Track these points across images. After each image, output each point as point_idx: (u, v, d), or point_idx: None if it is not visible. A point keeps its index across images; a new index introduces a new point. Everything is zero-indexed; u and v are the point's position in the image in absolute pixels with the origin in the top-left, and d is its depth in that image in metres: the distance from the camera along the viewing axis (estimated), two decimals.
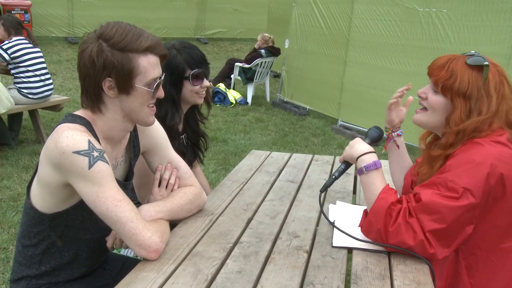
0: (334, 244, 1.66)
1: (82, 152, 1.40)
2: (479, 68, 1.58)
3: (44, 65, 5.20)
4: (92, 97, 1.52)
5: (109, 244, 1.62)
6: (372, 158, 1.71)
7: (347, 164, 1.83)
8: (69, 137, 1.41)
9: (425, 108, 1.72)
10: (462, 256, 1.61)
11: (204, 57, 2.21)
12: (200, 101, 2.24)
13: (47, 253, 1.62)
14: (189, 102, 2.23)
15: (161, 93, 1.59)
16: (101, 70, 1.46)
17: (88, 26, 11.85)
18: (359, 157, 1.72)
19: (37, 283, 1.64)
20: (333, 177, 1.83)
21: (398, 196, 1.62)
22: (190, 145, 2.41)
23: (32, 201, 1.57)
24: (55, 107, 5.47)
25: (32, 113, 5.38)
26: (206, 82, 2.20)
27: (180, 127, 2.31)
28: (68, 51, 10.91)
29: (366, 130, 1.93)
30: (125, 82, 1.49)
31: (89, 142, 1.43)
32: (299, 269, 1.49)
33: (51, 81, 5.30)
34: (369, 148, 1.75)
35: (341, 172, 1.84)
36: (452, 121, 1.61)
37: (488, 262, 1.59)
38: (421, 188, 1.57)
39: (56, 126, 1.48)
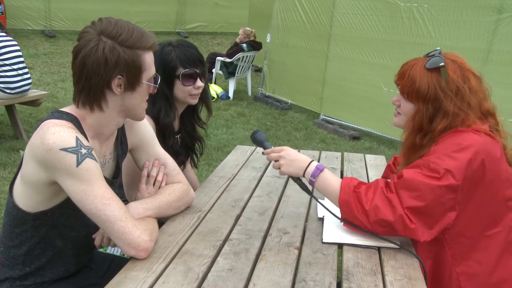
0: (324, 240, 1.66)
1: (69, 149, 1.36)
2: (438, 69, 1.61)
3: (22, 58, 5.06)
4: (96, 95, 1.48)
5: (97, 242, 1.59)
6: (312, 166, 1.73)
7: (296, 179, 1.79)
8: (56, 134, 1.37)
9: (399, 112, 1.77)
10: (447, 245, 1.63)
11: (199, 58, 2.12)
12: (193, 102, 2.17)
13: (31, 254, 1.58)
14: (182, 102, 2.17)
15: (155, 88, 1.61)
16: (113, 68, 1.44)
17: (66, 19, 11.65)
18: (304, 173, 1.74)
19: (21, 284, 1.60)
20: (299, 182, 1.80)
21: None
22: (184, 147, 2.34)
23: (15, 200, 1.53)
24: (34, 102, 5.34)
25: (10, 108, 5.25)
26: (199, 83, 2.12)
27: (176, 126, 2.25)
28: (45, 45, 10.69)
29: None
30: (134, 79, 1.49)
31: (77, 139, 1.39)
32: (290, 266, 1.48)
33: (29, 75, 5.17)
34: (304, 160, 1.75)
35: (301, 186, 1.79)
36: (415, 124, 1.66)
37: (473, 250, 1.62)
38: (405, 169, 1.61)
39: (41, 123, 1.44)
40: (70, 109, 1.52)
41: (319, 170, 1.71)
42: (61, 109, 1.52)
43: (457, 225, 1.58)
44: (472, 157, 1.52)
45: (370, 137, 6.37)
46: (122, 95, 1.51)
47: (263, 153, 1.85)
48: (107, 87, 1.47)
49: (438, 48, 1.69)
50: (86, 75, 1.45)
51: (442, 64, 1.60)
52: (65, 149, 1.36)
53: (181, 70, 2.08)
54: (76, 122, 1.47)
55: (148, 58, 1.52)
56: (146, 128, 1.79)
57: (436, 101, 1.61)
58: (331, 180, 1.70)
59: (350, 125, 6.53)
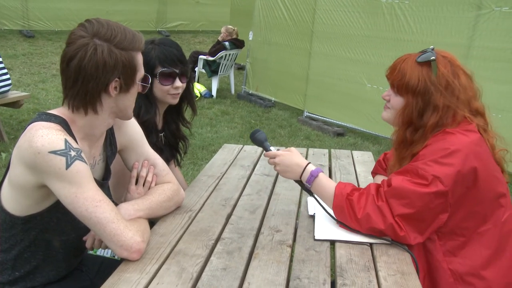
0: (316, 237, 1.66)
1: (58, 152, 1.34)
2: (428, 63, 1.63)
3: (0, 59, 4.97)
4: (91, 99, 1.45)
5: (88, 244, 1.57)
6: (308, 171, 1.74)
7: (297, 180, 1.80)
8: (44, 136, 1.34)
9: (388, 107, 1.78)
10: (439, 242, 1.65)
11: (179, 57, 2.10)
12: (173, 101, 2.14)
13: (20, 258, 1.55)
14: (161, 101, 2.15)
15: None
16: (112, 71, 1.42)
17: (45, 19, 11.48)
18: (301, 177, 1.75)
19: None
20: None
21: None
22: (168, 146, 2.33)
23: (3, 204, 1.50)
24: (14, 104, 5.25)
25: None
26: (178, 83, 2.09)
27: (160, 125, 2.23)
28: (23, 45, 10.53)
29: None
30: (130, 80, 1.49)
31: (66, 141, 1.37)
32: (284, 264, 1.49)
33: (8, 76, 5.08)
34: (300, 163, 1.75)
35: (303, 187, 1.80)
36: (404, 118, 1.68)
37: (465, 247, 1.64)
38: (394, 175, 1.63)
39: (28, 125, 1.42)
40: (58, 111, 1.49)
41: (313, 176, 1.72)
42: (48, 111, 1.49)
43: (449, 224, 1.60)
44: (462, 162, 1.53)
45: (354, 133, 6.41)
46: (117, 97, 1.50)
47: (264, 154, 1.85)
48: (104, 91, 1.46)
49: (432, 46, 1.70)
50: (83, 80, 1.42)
51: (433, 58, 1.62)
52: (54, 152, 1.34)
53: (159, 69, 2.06)
54: (64, 124, 1.45)
55: (140, 59, 1.53)
56: (135, 128, 1.77)
57: (425, 94, 1.62)
58: (326, 186, 1.71)
59: (334, 121, 6.56)
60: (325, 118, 6.72)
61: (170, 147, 2.34)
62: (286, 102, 7.53)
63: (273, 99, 7.80)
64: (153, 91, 2.09)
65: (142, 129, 2.01)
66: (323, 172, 1.74)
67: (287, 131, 6.53)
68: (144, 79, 1.58)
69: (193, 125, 6.22)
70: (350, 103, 6.30)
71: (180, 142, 2.40)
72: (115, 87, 1.47)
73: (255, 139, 1.86)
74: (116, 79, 1.46)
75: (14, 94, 5.25)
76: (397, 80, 1.68)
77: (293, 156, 1.77)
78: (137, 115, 2.03)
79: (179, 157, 2.45)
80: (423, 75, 1.63)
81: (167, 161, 2.28)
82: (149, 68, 2.04)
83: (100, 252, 1.93)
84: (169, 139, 2.32)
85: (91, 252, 1.89)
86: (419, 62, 1.64)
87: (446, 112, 1.62)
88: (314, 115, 6.90)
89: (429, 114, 1.64)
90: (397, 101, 1.71)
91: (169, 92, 2.10)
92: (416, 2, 5.41)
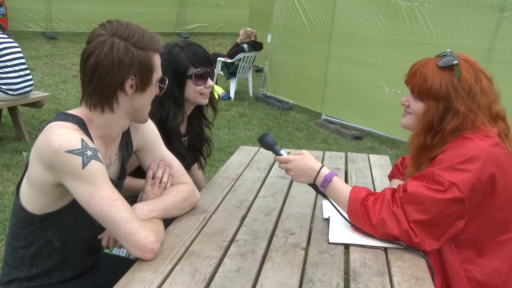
0: (330, 241, 1.65)
1: (75, 151, 1.36)
2: (451, 68, 1.60)
3: (23, 60, 5.06)
4: (108, 96, 1.48)
5: (104, 243, 1.59)
6: (322, 175, 1.72)
7: (311, 184, 1.79)
8: (61, 136, 1.37)
9: (409, 112, 1.75)
10: (456, 250, 1.62)
11: (208, 56, 2.13)
12: (205, 101, 2.16)
13: (38, 255, 1.58)
14: (193, 102, 2.16)
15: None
16: (128, 68, 1.45)
17: (67, 21, 11.67)
18: (315, 181, 1.74)
19: (28, 285, 1.60)
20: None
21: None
22: (192, 149, 2.33)
23: (22, 202, 1.53)
24: (36, 104, 5.35)
25: (12, 110, 5.25)
26: (210, 82, 2.12)
27: (183, 129, 2.24)
28: (46, 46, 10.70)
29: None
30: (146, 79, 1.51)
31: (82, 141, 1.39)
32: (297, 266, 1.48)
33: (30, 76, 5.17)
34: (314, 166, 1.73)
35: (317, 191, 1.79)
36: (425, 123, 1.65)
37: (483, 256, 1.61)
38: (409, 180, 1.61)
39: (46, 125, 1.44)
40: (76, 111, 1.52)
41: (327, 181, 1.71)
42: (66, 111, 1.51)
43: (466, 231, 1.58)
44: (480, 169, 1.50)
45: (372, 136, 6.36)
46: (133, 96, 1.52)
47: (275, 158, 1.84)
48: (120, 88, 1.48)
49: (449, 50, 1.68)
50: (100, 76, 1.45)
51: (456, 62, 1.59)
52: (70, 151, 1.36)
53: (192, 70, 2.07)
54: (81, 124, 1.47)
55: (157, 60, 1.56)
56: (151, 129, 1.79)
57: (447, 99, 1.60)
58: (340, 190, 1.70)
59: (352, 125, 6.53)
60: (343, 121, 6.69)
61: (193, 150, 2.35)
62: (304, 105, 7.52)
63: (291, 101, 7.79)
64: (183, 93, 2.11)
65: (166, 135, 2.03)
66: (337, 175, 1.73)
67: (304, 134, 6.51)
68: (161, 81, 1.60)
69: (211, 127, 6.17)
70: (368, 106, 6.25)
71: (204, 145, 2.40)
72: (131, 85, 1.49)
73: (264, 143, 1.85)
74: (132, 77, 1.48)
75: (35, 95, 5.34)
76: (419, 85, 1.65)
77: (306, 160, 1.75)
78: (164, 121, 2.05)
79: (202, 160, 2.45)
80: (445, 80, 1.59)
81: (189, 166, 2.29)
82: (181, 70, 2.06)
83: (116, 251, 1.95)
84: (194, 141, 2.33)
85: (107, 251, 1.91)
86: (441, 67, 1.61)
87: (467, 117, 1.59)
88: (332, 118, 6.87)
89: (449, 119, 1.61)
90: (418, 106, 1.68)
91: (201, 92, 2.12)
92: (436, 5, 5.35)
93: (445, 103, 1.60)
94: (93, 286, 1.72)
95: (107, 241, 1.60)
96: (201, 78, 2.09)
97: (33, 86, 5.23)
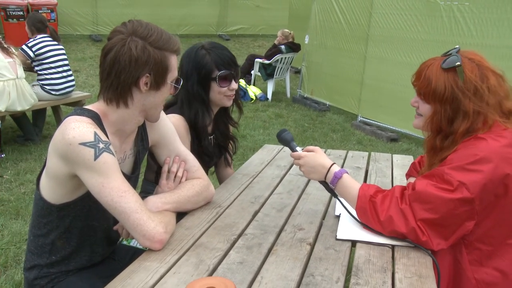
0: (338, 237, 1.66)
1: (88, 144, 1.44)
2: (454, 69, 1.57)
3: (66, 62, 5.30)
4: (122, 92, 1.55)
5: (120, 233, 1.66)
6: (331, 173, 1.72)
7: (322, 182, 1.80)
8: (75, 129, 1.44)
9: (420, 114, 1.73)
10: (466, 250, 1.59)
11: (233, 59, 2.17)
12: (229, 103, 2.21)
13: (56, 243, 1.67)
14: (217, 104, 2.21)
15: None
16: (143, 66, 1.52)
17: (112, 24, 12.00)
18: (325, 178, 1.74)
19: (48, 271, 1.69)
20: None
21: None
22: (217, 147, 2.39)
23: (41, 192, 1.62)
24: (77, 103, 5.57)
25: (55, 109, 5.50)
26: (234, 85, 2.16)
27: (210, 128, 2.30)
28: (91, 49, 11.09)
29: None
30: (161, 78, 1.58)
31: (95, 134, 1.46)
32: (300, 260, 1.50)
33: (72, 77, 5.41)
34: (325, 163, 1.74)
35: (327, 188, 1.80)
36: (433, 126, 1.63)
37: (493, 258, 1.57)
38: (419, 179, 1.61)
39: (64, 119, 1.53)
40: (93, 106, 1.60)
41: (337, 178, 1.71)
42: (84, 106, 1.60)
43: (476, 232, 1.55)
44: (491, 170, 1.47)
45: (409, 139, 6.24)
46: (147, 93, 1.58)
47: (290, 155, 1.85)
48: (134, 85, 1.55)
49: (457, 46, 1.65)
50: (116, 72, 1.52)
51: (458, 63, 1.56)
52: (83, 144, 1.43)
53: (217, 73, 2.12)
54: (96, 119, 1.54)
55: (174, 61, 1.61)
56: (167, 125, 1.85)
57: (454, 101, 1.57)
58: (349, 187, 1.70)
59: (388, 126, 6.42)
60: (379, 123, 6.59)
61: (219, 148, 2.41)
62: (340, 106, 7.46)
63: (327, 103, 7.75)
64: (209, 95, 2.16)
65: (195, 134, 2.10)
66: (347, 173, 1.73)
67: (339, 136, 6.46)
68: (177, 81, 1.65)
69: (246, 127, 6.26)
70: (405, 108, 6.05)
71: (230, 143, 2.46)
72: (146, 83, 1.55)
73: (282, 139, 1.86)
74: (147, 74, 1.54)
75: (76, 94, 5.58)
76: (423, 88, 1.63)
77: (317, 157, 1.76)
78: (194, 121, 2.12)
79: (229, 158, 2.50)
80: (449, 82, 1.57)
81: (215, 164, 2.36)
82: (206, 72, 2.11)
83: (134, 243, 2.02)
84: (219, 140, 2.38)
85: (125, 242, 1.99)
86: (445, 69, 1.58)
87: (477, 117, 1.56)
88: (368, 120, 6.79)
89: (460, 121, 1.58)
90: (426, 108, 1.67)
91: (225, 94, 2.16)
92: (476, 3, 5.20)
93: (452, 105, 1.57)
94: (108, 276, 1.78)
95: (121, 231, 1.67)
96: (225, 80, 2.14)
97: (74, 87, 5.45)
